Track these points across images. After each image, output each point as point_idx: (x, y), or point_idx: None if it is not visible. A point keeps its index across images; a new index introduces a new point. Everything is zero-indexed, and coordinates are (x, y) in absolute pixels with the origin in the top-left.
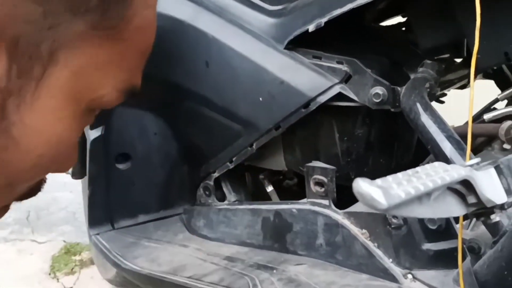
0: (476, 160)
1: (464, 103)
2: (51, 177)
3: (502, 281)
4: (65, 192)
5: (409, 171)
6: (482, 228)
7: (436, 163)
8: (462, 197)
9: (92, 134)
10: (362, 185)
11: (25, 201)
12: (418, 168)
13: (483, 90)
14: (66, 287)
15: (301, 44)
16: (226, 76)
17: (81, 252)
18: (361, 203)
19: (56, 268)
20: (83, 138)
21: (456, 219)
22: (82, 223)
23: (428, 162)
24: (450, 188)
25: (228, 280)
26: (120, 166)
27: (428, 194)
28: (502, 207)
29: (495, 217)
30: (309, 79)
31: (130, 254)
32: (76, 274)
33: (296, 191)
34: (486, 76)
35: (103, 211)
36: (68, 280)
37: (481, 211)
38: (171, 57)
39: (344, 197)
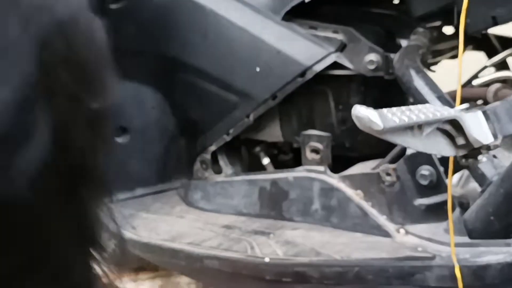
0: (465, 105)
1: (455, 74)
2: None
3: (488, 225)
4: None
5: (403, 107)
6: (471, 185)
7: (428, 104)
8: (451, 139)
9: None
10: (360, 109)
11: None
12: (411, 106)
13: (475, 64)
14: None
15: (298, 15)
16: (223, 48)
17: None
18: (359, 126)
19: None
20: None
21: (446, 174)
22: None
23: None
24: (441, 129)
25: (226, 244)
26: (118, 140)
27: (420, 129)
28: (488, 147)
29: (482, 158)
30: (305, 48)
31: (129, 225)
32: None
33: (291, 166)
34: (476, 48)
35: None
36: None
37: (470, 152)
38: (169, 30)
39: (340, 167)
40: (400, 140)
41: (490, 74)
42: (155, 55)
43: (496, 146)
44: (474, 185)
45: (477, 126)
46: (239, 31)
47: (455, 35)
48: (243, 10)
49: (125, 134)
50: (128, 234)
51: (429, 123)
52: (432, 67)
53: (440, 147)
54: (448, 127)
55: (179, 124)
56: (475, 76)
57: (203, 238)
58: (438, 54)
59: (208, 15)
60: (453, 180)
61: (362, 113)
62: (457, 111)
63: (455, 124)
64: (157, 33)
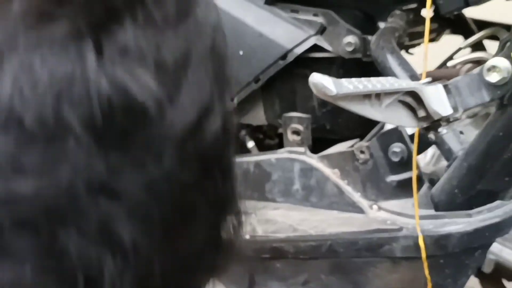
0: (427, 79)
1: (433, 56)
2: None
3: (453, 198)
4: None
5: (363, 78)
6: (442, 164)
7: (390, 77)
8: (413, 111)
9: None
10: (315, 76)
11: None
12: (372, 78)
13: (454, 47)
14: None
15: None
16: None
17: None
18: (315, 92)
19: None
20: None
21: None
22: None
23: None
24: (402, 101)
25: None
26: None
27: (378, 99)
28: (447, 119)
29: (442, 130)
30: (286, 31)
31: None
32: None
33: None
34: (454, 31)
35: None
36: None
37: (431, 124)
38: None
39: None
40: (357, 108)
41: (465, 55)
42: None
43: (456, 119)
44: (445, 163)
45: (437, 98)
46: (223, 15)
47: (433, 18)
48: None
49: None
50: None
51: (387, 93)
52: (412, 50)
53: (401, 119)
54: (409, 99)
55: None
56: (450, 58)
57: None
58: (416, 36)
59: None
60: (426, 158)
61: (317, 79)
62: (417, 83)
63: (416, 96)
64: None
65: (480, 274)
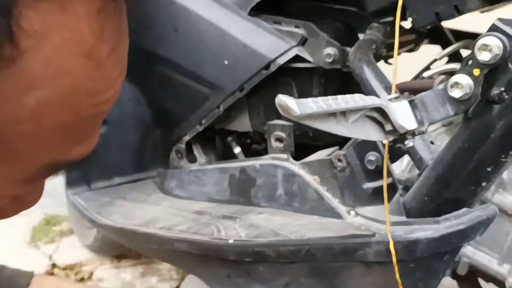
0: (395, 95)
1: (413, 66)
2: None
3: (423, 205)
4: None
5: (329, 97)
6: (416, 171)
7: (356, 94)
8: (380, 125)
9: None
10: (281, 97)
11: None
12: (338, 96)
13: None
14: (47, 254)
15: (263, 10)
16: (193, 41)
17: (61, 223)
18: (281, 112)
19: (37, 237)
20: None
21: (391, 160)
22: (62, 196)
23: None
24: (369, 117)
25: (195, 228)
26: None
27: (344, 116)
28: (413, 133)
29: (408, 143)
30: (269, 42)
31: (106, 212)
32: (56, 243)
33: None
34: (432, 41)
35: (80, 172)
36: (49, 248)
37: (397, 137)
38: (141, 24)
39: (304, 155)
40: (322, 126)
41: (441, 66)
42: (130, 48)
43: (421, 132)
44: None
45: (402, 113)
46: (208, 25)
47: (410, 29)
48: (212, 5)
49: (103, 125)
50: (104, 220)
51: (352, 111)
52: (390, 60)
53: (368, 133)
54: (375, 114)
55: (154, 115)
56: (427, 68)
57: (174, 223)
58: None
59: (179, 9)
60: (402, 166)
61: (282, 101)
62: (383, 100)
63: (382, 111)
64: (131, 27)
65: (456, 276)
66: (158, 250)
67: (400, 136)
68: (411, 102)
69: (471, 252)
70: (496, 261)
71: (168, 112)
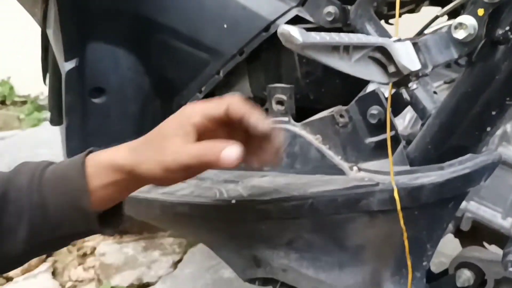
0: (399, 37)
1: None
2: (30, 135)
3: (426, 154)
4: (46, 149)
5: (333, 33)
6: (419, 127)
7: (359, 34)
8: (383, 67)
9: (67, 66)
10: (283, 26)
11: (6, 156)
12: (341, 33)
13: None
14: None
15: None
16: (193, 6)
17: None
18: (283, 42)
19: None
20: (57, 77)
21: (394, 113)
22: None
23: None
24: (372, 58)
25: (197, 192)
26: (95, 100)
27: (347, 53)
28: (417, 74)
29: (412, 85)
30: (268, 3)
31: None
32: None
33: None
34: (432, 3)
35: (80, 142)
36: None
37: (400, 79)
38: None
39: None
40: (325, 59)
41: (439, 23)
42: (129, 15)
43: (425, 74)
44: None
45: (406, 54)
46: None
47: None
48: None
49: (102, 95)
50: None
51: (355, 48)
52: (391, 20)
53: (371, 74)
54: (378, 55)
55: (154, 84)
56: (427, 26)
57: (176, 188)
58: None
59: None
60: (404, 122)
61: (284, 29)
62: (386, 39)
63: (385, 52)
64: None
65: (459, 234)
66: (161, 216)
67: (403, 78)
68: (414, 45)
69: (474, 207)
70: (500, 215)
71: (168, 81)
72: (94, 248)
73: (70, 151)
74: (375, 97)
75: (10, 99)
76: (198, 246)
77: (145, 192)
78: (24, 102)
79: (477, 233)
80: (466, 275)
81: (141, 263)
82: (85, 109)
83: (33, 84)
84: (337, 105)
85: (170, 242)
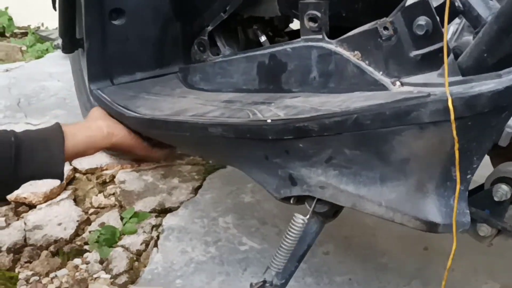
0: None
1: None
2: (35, 66)
3: (481, 63)
4: (53, 81)
5: None
6: (465, 38)
7: None
8: None
9: None
10: None
11: (13, 89)
12: None
13: None
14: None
15: None
16: None
17: None
18: None
19: None
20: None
21: (442, 23)
22: (74, 107)
23: None
24: None
25: (228, 113)
26: (115, 22)
27: None
28: None
29: None
30: None
31: (132, 105)
32: None
33: None
34: None
35: (101, 66)
36: None
37: None
38: None
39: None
40: None
41: None
42: None
43: None
44: (468, 38)
45: None
46: None
47: None
48: None
49: (121, 17)
50: (132, 113)
51: None
52: None
53: None
54: None
55: (174, 6)
56: None
57: (205, 111)
58: None
59: None
60: (448, 33)
61: None
62: None
63: None
64: None
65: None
66: (191, 138)
67: None
68: None
69: None
70: None
71: (190, 3)
72: (113, 176)
73: (92, 76)
74: (424, 6)
75: (10, 31)
76: (216, 173)
77: (174, 115)
78: (24, 34)
79: None
80: (503, 190)
81: (162, 190)
82: (104, 32)
83: (32, 15)
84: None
85: (188, 170)
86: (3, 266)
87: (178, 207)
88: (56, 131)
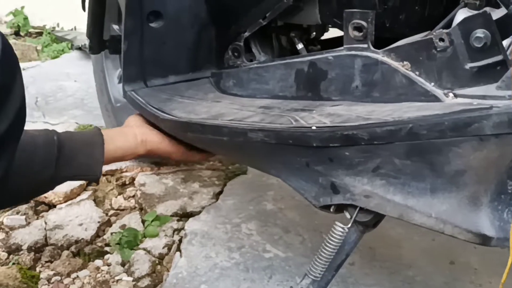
0: None
1: None
2: (53, 68)
3: None
4: (70, 82)
5: None
6: None
7: None
8: None
9: None
10: None
11: (31, 88)
12: None
13: None
14: None
15: None
16: None
17: None
18: None
19: None
20: (99, 3)
21: (501, 36)
22: (92, 108)
23: None
24: None
25: (268, 119)
26: (153, 24)
27: None
28: None
29: None
30: None
31: (166, 107)
32: None
33: None
34: None
35: (137, 68)
36: None
37: None
38: None
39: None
40: None
41: None
42: None
43: None
44: None
45: None
46: None
47: None
48: None
49: (159, 19)
50: (167, 115)
51: None
52: None
53: None
54: None
55: (211, 12)
56: None
57: (244, 116)
58: None
59: None
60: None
61: None
62: None
63: None
64: None
65: None
66: (228, 142)
67: None
68: None
69: None
70: None
71: (227, 8)
72: (133, 179)
73: (127, 78)
74: (483, 19)
75: (25, 30)
76: (236, 179)
77: (211, 119)
78: (39, 34)
79: None
80: None
81: (182, 194)
82: (142, 34)
83: (47, 15)
84: (411, 34)
85: (208, 175)
86: (24, 265)
87: (200, 211)
88: (97, 135)
